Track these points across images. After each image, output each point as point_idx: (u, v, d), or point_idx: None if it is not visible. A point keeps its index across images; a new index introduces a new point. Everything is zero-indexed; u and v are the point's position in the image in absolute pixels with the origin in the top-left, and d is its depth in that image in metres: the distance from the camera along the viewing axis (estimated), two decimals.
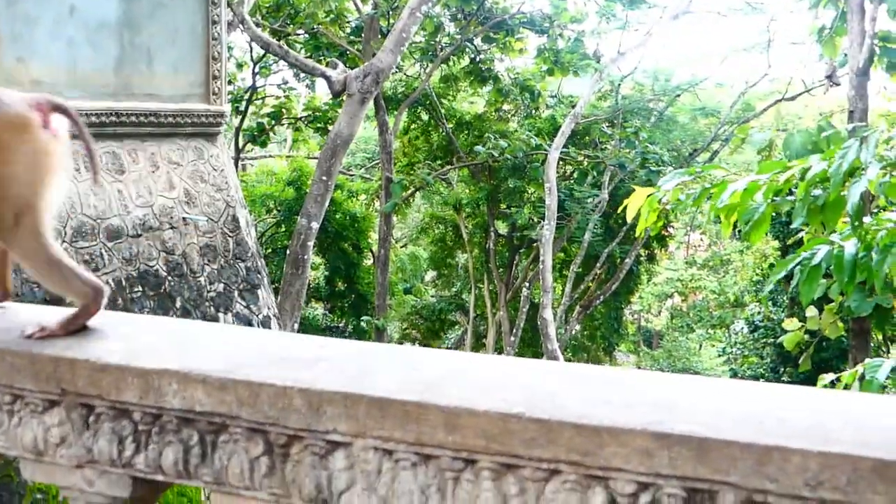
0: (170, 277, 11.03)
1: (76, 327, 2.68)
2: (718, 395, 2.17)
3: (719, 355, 26.22)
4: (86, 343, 2.59)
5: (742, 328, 22.46)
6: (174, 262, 11.10)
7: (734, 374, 21.00)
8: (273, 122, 24.88)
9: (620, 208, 5.42)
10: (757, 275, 24.42)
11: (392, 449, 2.17)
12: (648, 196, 5.02)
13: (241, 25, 17.76)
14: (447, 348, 25.33)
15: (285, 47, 20.01)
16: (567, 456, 1.99)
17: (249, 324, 11.41)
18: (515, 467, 2.06)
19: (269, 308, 12.06)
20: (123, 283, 10.57)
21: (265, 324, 11.68)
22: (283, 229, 22.71)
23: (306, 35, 24.00)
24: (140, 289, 10.70)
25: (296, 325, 15.04)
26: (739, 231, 4.67)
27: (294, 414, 2.25)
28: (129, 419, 2.45)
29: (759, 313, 20.93)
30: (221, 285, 11.43)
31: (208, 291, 11.29)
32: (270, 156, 27.26)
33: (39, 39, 10.53)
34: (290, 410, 2.26)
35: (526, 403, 2.09)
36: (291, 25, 23.19)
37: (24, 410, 2.58)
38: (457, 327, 26.78)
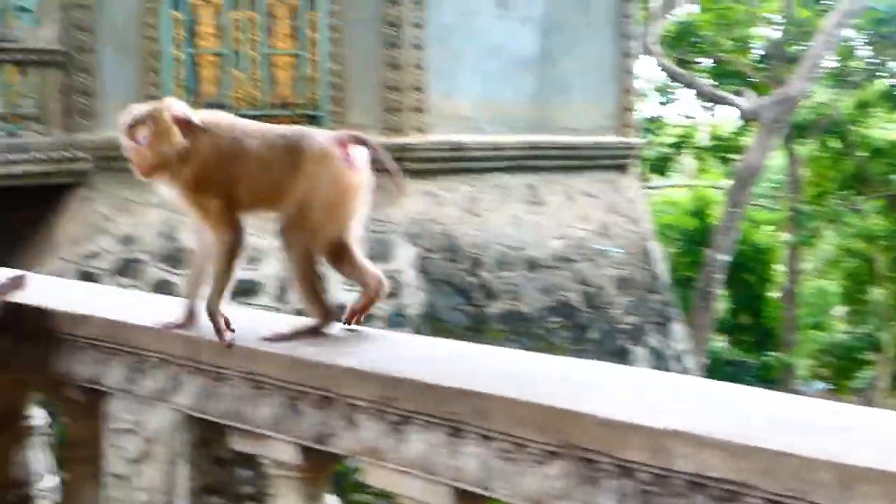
0: (584, 309, 11.14)
1: (300, 333, 2.99)
2: None
3: None
4: (590, 396, 2.58)
5: None
6: (589, 294, 11.20)
7: None
8: (677, 150, 24.72)
9: None
10: None
11: None
12: None
13: (648, 55, 17.80)
14: (857, 389, 23.87)
15: (691, 76, 19.83)
16: None
17: (663, 358, 11.30)
18: None
19: (682, 342, 11.89)
20: (541, 313, 10.81)
21: (679, 358, 11.52)
22: (685, 259, 22.43)
23: (710, 62, 23.69)
24: (556, 319, 10.89)
25: (704, 360, 14.75)
26: None
27: (819, 488, 2.09)
28: (633, 478, 2.40)
29: None
30: (635, 318, 11.39)
31: (622, 324, 11.29)
32: (672, 186, 27.08)
33: (463, 75, 11.02)
34: (814, 484, 2.10)
35: None
36: (694, 53, 23.00)
37: (525, 460, 2.59)
38: (869, 367, 25.12)
